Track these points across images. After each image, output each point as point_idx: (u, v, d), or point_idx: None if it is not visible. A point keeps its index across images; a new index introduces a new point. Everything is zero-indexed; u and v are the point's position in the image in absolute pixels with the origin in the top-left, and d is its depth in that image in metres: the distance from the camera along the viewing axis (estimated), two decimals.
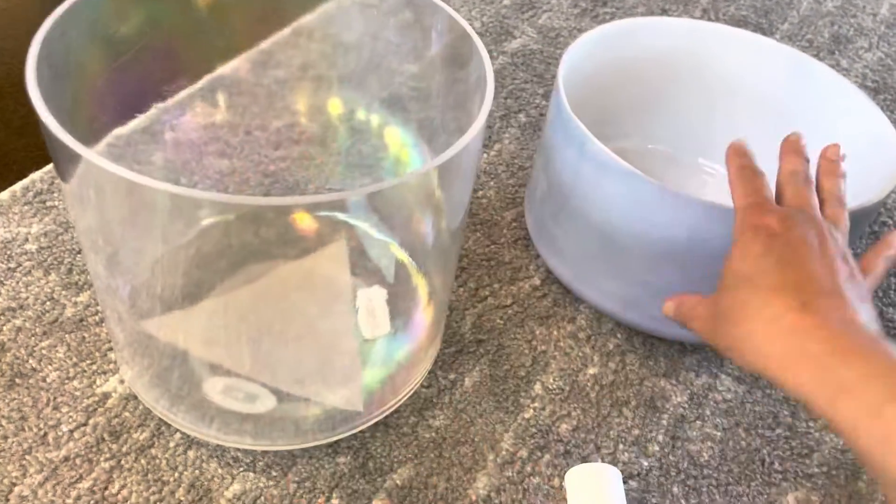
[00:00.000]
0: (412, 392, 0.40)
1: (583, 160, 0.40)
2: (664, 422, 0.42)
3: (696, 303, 0.36)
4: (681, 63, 0.51)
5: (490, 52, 0.67)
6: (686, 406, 0.43)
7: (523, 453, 0.40)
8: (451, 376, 0.42)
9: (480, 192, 0.54)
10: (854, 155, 0.46)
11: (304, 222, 0.44)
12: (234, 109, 0.54)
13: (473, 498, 0.37)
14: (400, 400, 0.40)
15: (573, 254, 0.44)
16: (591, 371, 0.44)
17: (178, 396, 0.38)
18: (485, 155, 0.57)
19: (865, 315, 0.30)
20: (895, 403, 0.26)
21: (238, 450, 0.38)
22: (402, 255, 0.44)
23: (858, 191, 0.41)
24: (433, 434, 0.40)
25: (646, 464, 0.40)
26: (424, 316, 0.42)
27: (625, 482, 0.39)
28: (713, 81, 0.51)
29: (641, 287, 0.42)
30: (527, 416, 0.41)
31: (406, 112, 0.46)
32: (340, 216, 0.44)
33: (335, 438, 0.38)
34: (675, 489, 0.39)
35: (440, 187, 0.37)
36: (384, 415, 0.39)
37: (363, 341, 0.41)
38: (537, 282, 0.48)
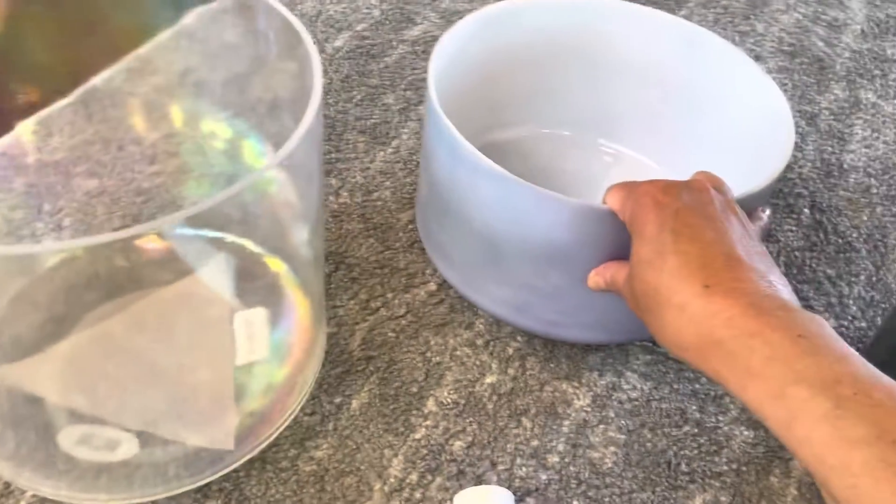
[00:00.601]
0: (291, 421, 0.38)
1: (456, 163, 0.38)
2: (565, 429, 0.40)
3: (618, 275, 0.35)
4: (573, 42, 0.48)
5: (390, 41, 0.63)
6: (589, 409, 0.41)
7: (413, 478, 0.37)
8: (337, 400, 0.40)
9: (375, 194, 0.51)
10: (748, 131, 0.44)
11: (171, 243, 0.41)
12: (106, 123, 0.50)
13: None
14: (277, 430, 0.37)
15: (460, 260, 0.41)
16: (489, 380, 0.42)
17: (27, 452, 0.34)
18: (381, 152, 0.54)
19: (768, 277, 0.30)
20: (796, 385, 0.26)
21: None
22: (279, 266, 0.41)
23: (753, 168, 0.39)
24: (315, 466, 0.37)
25: (544, 477, 0.38)
26: (303, 332, 0.39)
27: (521, 500, 0.37)
28: (607, 60, 0.48)
29: (530, 291, 0.39)
30: (418, 436, 0.39)
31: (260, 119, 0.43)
32: (210, 233, 0.41)
33: (205, 482, 0.35)
34: (575, 503, 0.37)
35: (292, 191, 0.34)
36: (259, 450, 0.36)
37: (238, 369, 0.38)
38: (433, 287, 0.46)
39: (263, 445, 0.36)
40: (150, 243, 0.40)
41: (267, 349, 0.38)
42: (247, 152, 0.42)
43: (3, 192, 0.46)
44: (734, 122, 0.44)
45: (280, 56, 0.38)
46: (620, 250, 0.36)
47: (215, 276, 0.40)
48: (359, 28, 0.64)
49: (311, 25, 0.64)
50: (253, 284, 0.41)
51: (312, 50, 0.32)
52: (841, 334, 0.46)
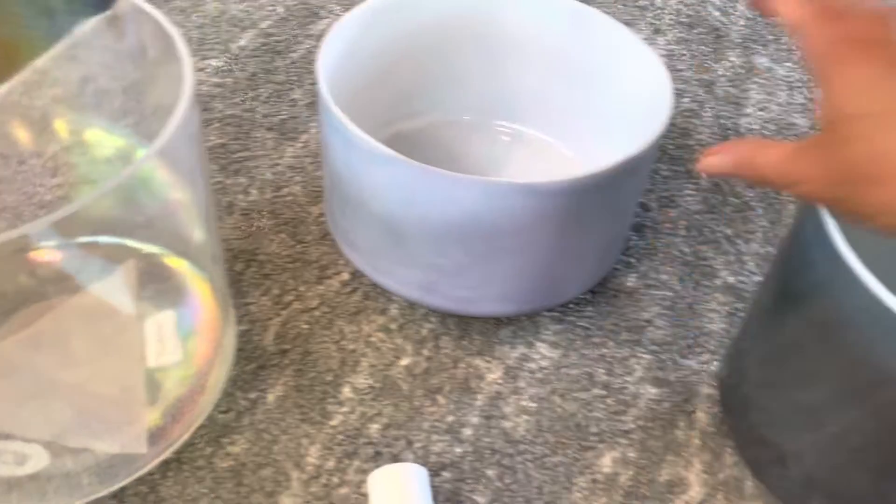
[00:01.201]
0: (206, 420, 0.38)
1: (349, 150, 0.38)
2: (479, 402, 0.41)
3: (784, 157, 0.27)
4: (467, 28, 0.49)
5: (295, 36, 0.63)
6: (501, 382, 0.42)
7: (331, 464, 0.38)
8: (252, 395, 0.40)
9: (285, 189, 0.51)
10: (634, 101, 0.45)
11: (66, 253, 0.41)
12: (6, 139, 0.49)
13: None
14: (190, 430, 0.37)
15: (365, 246, 0.42)
16: (404, 362, 0.43)
17: None
18: (290, 148, 0.54)
19: None
20: None
21: None
22: (183, 267, 0.41)
23: (641, 133, 0.40)
24: (232, 462, 0.37)
25: (459, 451, 0.39)
26: (212, 331, 0.39)
27: (438, 475, 0.38)
28: (501, 42, 0.49)
29: (435, 271, 0.40)
30: (334, 423, 0.39)
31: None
32: (111, 239, 0.41)
33: (119, 486, 0.35)
34: (489, 472, 0.38)
35: (180, 189, 0.34)
36: (174, 451, 0.37)
37: (149, 372, 0.38)
38: (346, 277, 0.46)
39: (177, 446, 0.37)
40: (48, 255, 0.40)
41: (179, 351, 0.38)
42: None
43: None
44: (621, 94, 0.46)
45: (164, 61, 0.38)
46: (517, 222, 0.37)
47: (119, 283, 0.40)
48: (263, 25, 0.64)
49: (214, 26, 0.63)
50: (159, 287, 0.41)
51: (182, 47, 0.33)
52: (739, 289, 0.49)
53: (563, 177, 0.35)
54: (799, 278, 0.34)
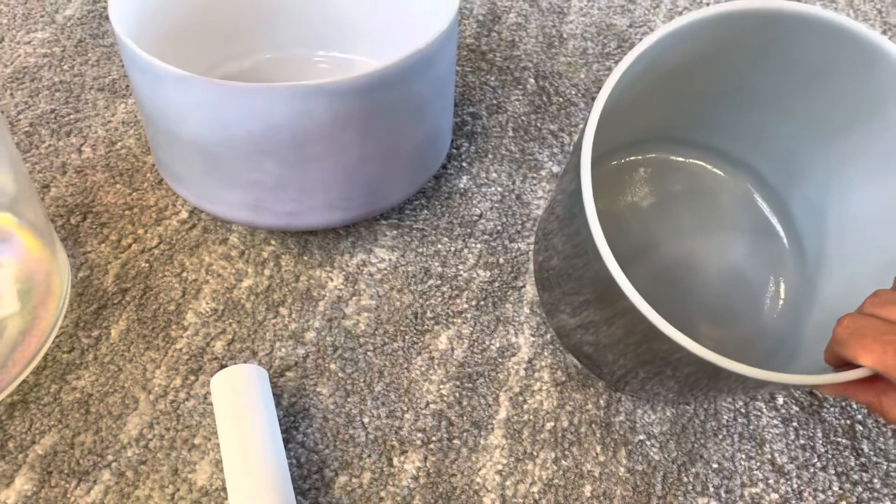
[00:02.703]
0: (49, 361, 0.39)
1: (146, 79, 0.39)
2: (321, 308, 0.43)
3: None
4: None
5: None
6: (342, 287, 0.44)
7: (177, 382, 0.39)
8: (95, 333, 0.41)
9: (119, 143, 0.52)
10: (430, 19, 0.47)
11: None
12: None
13: (125, 441, 0.37)
14: (27, 369, 0.38)
15: (189, 177, 0.43)
16: (246, 284, 0.44)
17: None
18: (122, 105, 0.54)
19: None
20: None
21: None
22: (9, 222, 0.41)
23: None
24: (78, 395, 0.39)
25: (302, 352, 0.41)
26: (41, 273, 0.40)
27: (281, 375, 0.40)
28: None
29: (257, 188, 0.42)
30: (179, 346, 0.41)
31: None
32: None
33: None
34: (332, 366, 0.41)
35: None
36: (19, 393, 0.37)
37: None
38: (185, 215, 0.47)
39: (13, 387, 0.38)
40: None
41: (16, 302, 0.39)
42: None
43: None
44: (417, 12, 0.48)
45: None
46: (318, 127, 0.39)
47: None
48: None
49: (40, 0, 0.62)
50: None
51: None
52: (558, 176, 0.52)
53: (344, 77, 0.37)
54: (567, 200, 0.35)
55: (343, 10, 0.52)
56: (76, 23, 0.61)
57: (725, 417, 0.40)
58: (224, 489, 0.36)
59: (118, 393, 0.39)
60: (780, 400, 0.41)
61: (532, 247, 0.47)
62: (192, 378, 0.40)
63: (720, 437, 0.39)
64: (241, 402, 0.36)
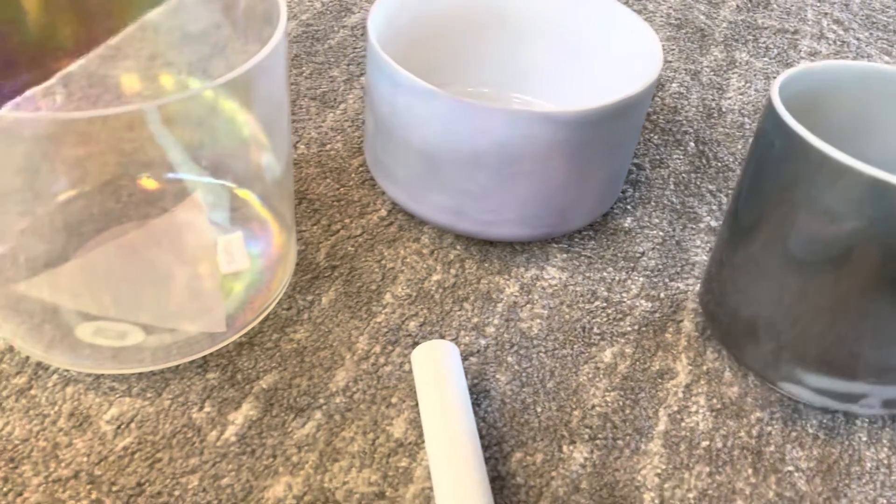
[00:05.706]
0: (272, 313, 0.45)
1: (395, 90, 0.46)
2: (499, 309, 0.49)
3: None
4: (487, 9, 0.58)
5: (332, 26, 0.72)
6: (517, 295, 0.50)
7: (377, 349, 0.45)
8: (309, 297, 0.48)
9: (329, 146, 0.59)
10: (628, 68, 0.54)
11: (155, 186, 0.49)
12: (87, 100, 0.58)
13: (333, 389, 0.43)
14: (259, 317, 0.44)
15: (404, 177, 0.50)
16: (435, 278, 0.50)
17: (52, 343, 0.41)
18: (331, 113, 0.62)
19: None
20: None
21: (114, 379, 0.42)
22: (248, 196, 0.48)
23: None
24: (295, 345, 0.45)
25: (483, 343, 0.46)
26: (276, 247, 0.47)
27: (466, 359, 0.45)
28: (515, 21, 0.58)
29: (464, 196, 0.48)
30: (379, 320, 0.47)
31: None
32: (187, 177, 0.48)
33: (203, 354, 0.42)
34: (509, 358, 0.46)
35: (256, 125, 0.42)
36: (246, 334, 0.44)
37: (223, 276, 0.45)
38: (384, 213, 0.54)
39: (248, 329, 0.44)
40: (145, 185, 0.47)
41: (246, 261, 0.46)
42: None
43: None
44: (617, 61, 0.55)
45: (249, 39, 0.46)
46: (534, 149, 0.45)
47: (197, 208, 0.48)
48: (304, 17, 0.73)
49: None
50: (232, 214, 0.49)
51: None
52: (717, 230, 0.56)
53: (572, 109, 0.43)
54: (760, 172, 0.41)
55: (539, 58, 0.59)
56: (292, 40, 0.70)
57: (868, 465, 0.43)
58: (416, 443, 0.41)
59: (328, 349, 0.45)
60: None
61: (692, 287, 0.51)
62: (390, 348, 0.45)
63: (864, 481, 0.42)
64: (441, 372, 0.41)
